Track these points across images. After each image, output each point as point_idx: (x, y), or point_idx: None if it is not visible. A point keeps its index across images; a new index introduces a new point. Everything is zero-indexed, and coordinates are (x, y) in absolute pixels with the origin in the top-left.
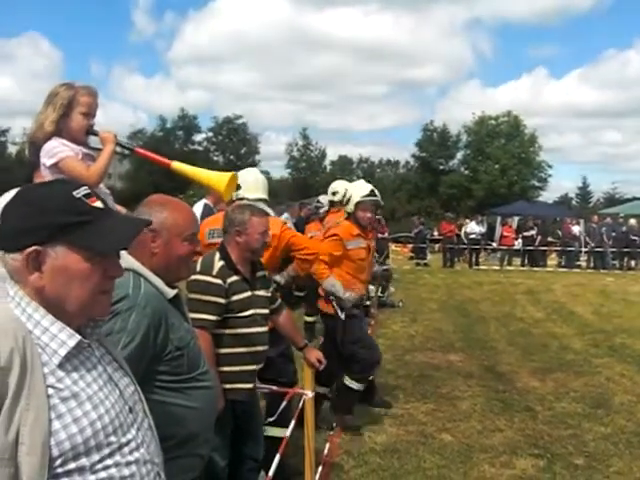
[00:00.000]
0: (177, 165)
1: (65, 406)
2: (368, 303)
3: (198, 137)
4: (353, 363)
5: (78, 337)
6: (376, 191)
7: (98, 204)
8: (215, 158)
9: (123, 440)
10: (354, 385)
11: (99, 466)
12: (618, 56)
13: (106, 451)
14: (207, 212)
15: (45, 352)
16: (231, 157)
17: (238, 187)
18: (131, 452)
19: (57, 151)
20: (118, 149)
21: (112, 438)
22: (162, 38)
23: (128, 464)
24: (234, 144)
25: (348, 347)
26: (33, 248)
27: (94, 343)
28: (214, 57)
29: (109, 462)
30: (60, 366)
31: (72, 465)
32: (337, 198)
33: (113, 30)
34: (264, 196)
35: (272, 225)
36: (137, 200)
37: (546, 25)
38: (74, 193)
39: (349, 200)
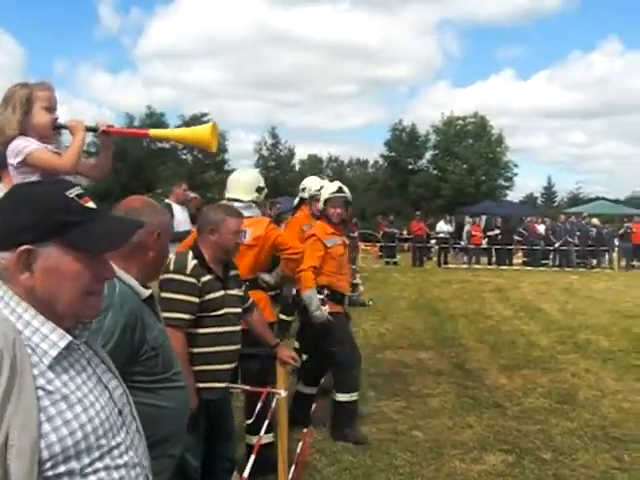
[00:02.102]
0: (155, 132)
1: (55, 408)
2: None
3: None
4: (334, 367)
5: (69, 338)
6: (345, 188)
7: (90, 204)
8: (183, 157)
9: (113, 443)
10: (344, 397)
11: (89, 469)
12: (583, 58)
13: (96, 454)
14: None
15: (35, 353)
16: (199, 155)
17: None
18: (120, 455)
19: (22, 147)
20: (90, 135)
21: (102, 441)
22: (128, 34)
23: (117, 467)
24: None
25: (327, 347)
26: (25, 247)
27: (83, 345)
28: (181, 54)
29: (99, 465)
30: (50, 367)
31: (62, 468)
32: (306, 194)
33: (78, 26)
34: (237, 196)
35: (257, 225)
36: (103, 199)
37: (515, 26)
38: (67, 193)
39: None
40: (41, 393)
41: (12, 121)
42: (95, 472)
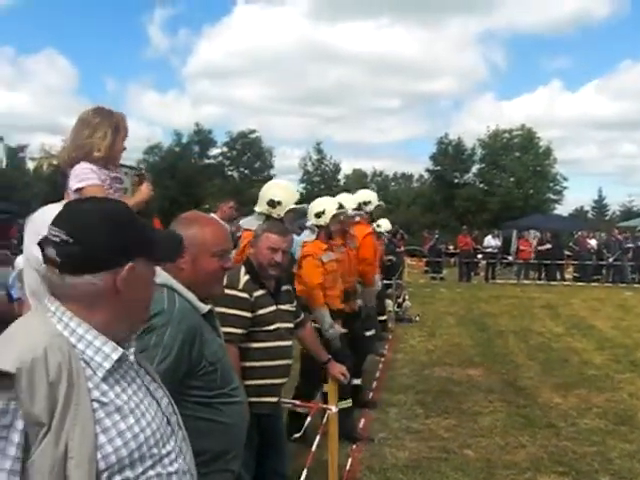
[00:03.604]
0: None
1: (110, 420)
2: (385, 318)
3: (213, 151)
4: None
5: (121, 350)
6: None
7: None
8: (230, 172)
9: (164, 451)
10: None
11: (142, 478)
12: (635, 67)
13: (149, 463)
14: None
15: (89, 366)
16: (246, 171)
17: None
18: (171, 463)
19: (86, 177)
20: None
21: (154, 450)
22: (177, 54)
23: (169, 475)
24: (248, 158)
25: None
26: (130, 265)
27: (131, 356)
28: (228, 72)
29: (152, 473)
30: (104, 380)
31: (117, 478)
32: (369, 209)
33: (128, 46)
34: (257, 209)
35: (247, 239)
36: (151, 215)
37: (561, 36)
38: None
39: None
40: (96, 405)
41: (102, 146)
42: None
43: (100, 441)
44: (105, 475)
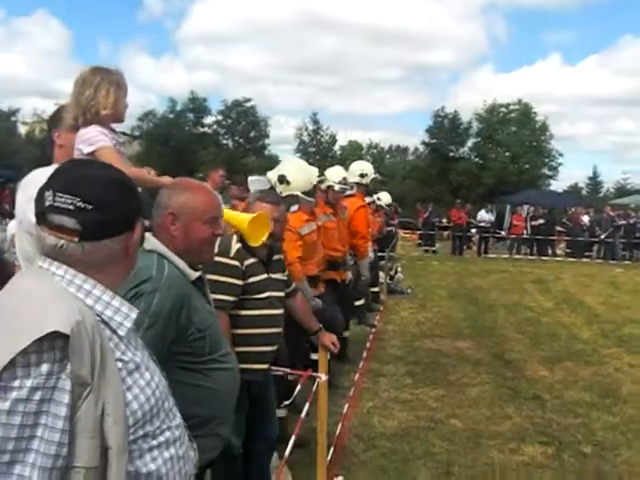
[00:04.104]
0: None
1: (131, 378)
2: (377, 289)
3: (208, 119)
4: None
5: (136, 310)
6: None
7: None
8: (224, 141)
9: (170, 406)
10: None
11: (158, 431)
12: (635, 42)
13: (162, 416)
14: None
15: (108, 326)
16: (240, 140)
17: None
18: (174, 417)
19: (96, 140)
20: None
21: (166, 404)
22: (171, 18)
23: (177, 427)
24: (243, 127)
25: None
26: (138, 228)
27: None
28: (223, 38)
29: (164, 426)
30: (121, 339)
31: (140, 432)
32: (365, 181)
33: (122, 8)
34: (268, 174)
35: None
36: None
37: (562, 10)
38: None
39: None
40: (120, 365)
41: (108, 103)
42: (162, 432)
43: (127, 398)
44: (131, 430)
